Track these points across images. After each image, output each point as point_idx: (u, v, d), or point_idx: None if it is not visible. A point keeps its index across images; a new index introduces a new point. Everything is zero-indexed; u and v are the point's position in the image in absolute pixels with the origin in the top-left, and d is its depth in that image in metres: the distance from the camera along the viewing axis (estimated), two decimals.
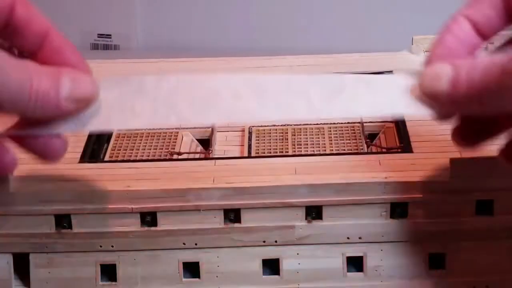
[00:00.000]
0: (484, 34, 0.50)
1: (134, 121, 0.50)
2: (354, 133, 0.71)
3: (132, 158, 0.69)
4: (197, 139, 0.72)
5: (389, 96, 0.50)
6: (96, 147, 0.68)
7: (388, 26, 1.16)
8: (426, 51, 0.76)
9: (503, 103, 0.45)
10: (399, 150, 0.66)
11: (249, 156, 0.67)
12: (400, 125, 0.68)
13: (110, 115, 0.50)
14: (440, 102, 0.47)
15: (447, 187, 0.59)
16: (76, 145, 0.66)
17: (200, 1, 1.19)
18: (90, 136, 0.68)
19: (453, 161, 0.58)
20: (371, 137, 0.71)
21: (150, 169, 0.62)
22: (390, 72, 0.74)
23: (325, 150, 0.69)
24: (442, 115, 0.49)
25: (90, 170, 0.62)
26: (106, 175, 0.61)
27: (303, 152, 0.69)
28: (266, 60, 0.77)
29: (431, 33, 0.74)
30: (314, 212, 0.60)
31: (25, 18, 0.48)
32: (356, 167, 0.61)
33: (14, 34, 0.48)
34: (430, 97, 0.48)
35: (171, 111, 0.50)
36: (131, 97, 0.50)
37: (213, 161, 0.63)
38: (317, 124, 0.72)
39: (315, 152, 0.67)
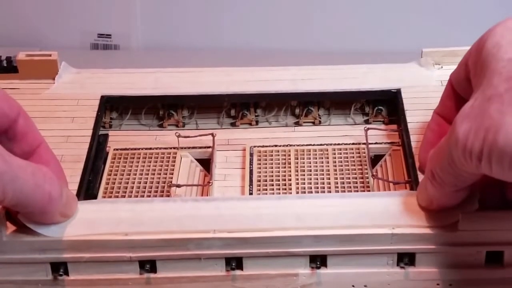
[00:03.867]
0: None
1: (141, 227, 0.57)
2: (359, 155, 0.69)
3: (129, 184, 0.67)
4: (196, 159, 0.70)
5: (367, 210, 0.58)
6: (92, 178, 0.66)
7: (394, 34, 1.13)
8: (435, 64, 0.73)
9: (451, 180, 0.53)
10: (406, 184, 0.64)
11: (250, 193, 0.65)
12: (407, 150, 0.66)
13: (120, 224, 0.57)
14: (433, 202, 0.56)
15: (456, 239, 0.57)
16: (72, 175, 0.64)
17: (200, 1, 1.14)
18: (86, 165, 0.65)
19: (463, 215, 0.56)
20: (376, 158, 0.69)
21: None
22: (397, 89, 0.71)
23: (329, 179, 0.67)
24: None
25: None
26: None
27: (306, 181, 0.67)
28: (268, 72, 0.74)
29: (441, 45, 0.71)
30: (318, 261, 0.58)
31: (24, 129, 0.56)
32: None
33: (12, 140, 0.56)
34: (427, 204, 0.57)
35: (174, 222, 0.57)
36: (139, 212, 0.58)
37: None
38: (320, 145, 0.70)
39: (319, 189, 0.65)
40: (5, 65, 0.73)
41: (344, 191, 0.65)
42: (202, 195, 0.66)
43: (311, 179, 0.67)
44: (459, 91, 0.59)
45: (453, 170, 0.52)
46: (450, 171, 0.52)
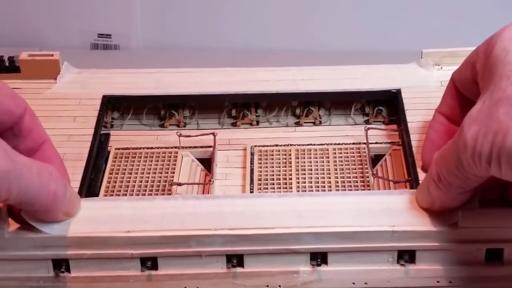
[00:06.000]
0: (456, 121, 0.60)
1: (142, 224, 0.57)
2: (360, 155, 0.69)
3: (131, 182, 0.67)
4: (197, 158, 0.70)
5: (368, 207, 0.58)
6: (93, 176, 0.66)
7: (394, 35, 1.13)
8: (435, 65, 0.74)
9: (458, 183, 0.53)
10: (406, 183, 0.64)
11: (251, 192, 0.65)
12: (407, 149, 0.66)
13: (122, 221, 0.57)
14: (436, 203, 0.56)
15: (456, 237, 0.57)
16: (73, 173, 0.64)
17: (200, 1, 1.15)
18: (88, 163, 0.66)
19: (463, 212, 0.56)
20: (377, 158, 0.70)
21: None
22: (397, 90, 0.72)
23: (329, 178, 0.67)
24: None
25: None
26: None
27: (307, 180, 0.67)
28: (269, 72, 0.74)
29: (441, 46, 0.72)
30: (319, 258, 0.58)
31: (29, 126, 0.56)
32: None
33: (18, 136, 0.56)
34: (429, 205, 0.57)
35: (175, 220, 0.57)
36: (140, 210, 0.58)
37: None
38: (321, 144, 0.70)
39: (320, 188, 0.66)
40: (8, 65, 0.74)
41: (345, 190, 0.66)
42: (203, 194, 0.66)
43: (311, 179, 0.67)
44: (463, 91, 0.60)
45: (461, 173, 0.52)
46: (457, 174, 0.52)
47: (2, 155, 0.49)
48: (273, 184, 0.67)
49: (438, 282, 0.59)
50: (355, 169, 0.68)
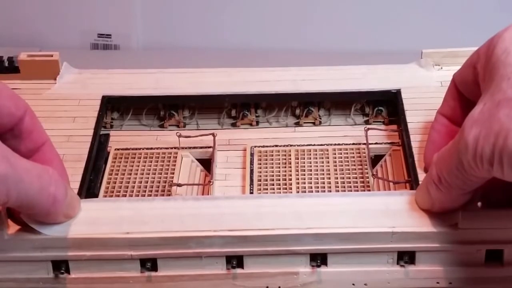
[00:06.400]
0: (457, 122, 0.60)
1: (142, 225, 0.57)
2: (360, 155, 0.69)
3: (130, 183, 0.67)
4: (197, 159, 0.70)
5: (367, 208, 0.58)
6: (93, 177, 0.66)
7: (393, 35, 1.13)
8: (435, 65, 0.74)
9: (459, 184, 0.53)
10: (406, 183, 0.64)
11: (251, 193, 0.65)
12: (407, 150, 0.66)
13: (121, 222, 0.57)
14: (436, 205, 0.56)
15: (456, 238, 0.57)
16: (73, 174, 0.64)
17: (200, 1, 1.15)
18: (87, 164, 0.66)
19: (463, 213, 0.56)
20: (376, 159, 0.70)
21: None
22: (397, 90, 0.72)
23: (329, 179, 0.67)
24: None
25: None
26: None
27: (307, 180, 0.67)
28: (269, 73, 0.74)
29: (441, 46, 0.72)
30: (319, 259, 0.58)
31: (30, 127, 0.56)
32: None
33: (18, 137, 0.56)
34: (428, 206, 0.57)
35: (175, 221, 0.57)
36: (140, 211, 0.58)
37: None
38: (321, 145, 0.70)
39: (319, 189, 0.66)
40: (7, 65, 0.74)
41: (345, 191, 0.66)
42: (203, 195, 0.66)
43: (311, 179, 0.67)
44: (464, 92, 0.60)
45: (462, 175, 0.52)
46: (458, 176, 0.52)
47: (1, 160, 0.49)
48: (273, 185, 0.67)
49: (438, 283, 0.59)
50: (355, 169, 0.68)
